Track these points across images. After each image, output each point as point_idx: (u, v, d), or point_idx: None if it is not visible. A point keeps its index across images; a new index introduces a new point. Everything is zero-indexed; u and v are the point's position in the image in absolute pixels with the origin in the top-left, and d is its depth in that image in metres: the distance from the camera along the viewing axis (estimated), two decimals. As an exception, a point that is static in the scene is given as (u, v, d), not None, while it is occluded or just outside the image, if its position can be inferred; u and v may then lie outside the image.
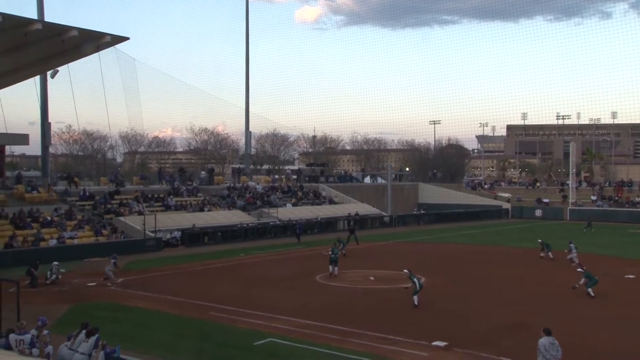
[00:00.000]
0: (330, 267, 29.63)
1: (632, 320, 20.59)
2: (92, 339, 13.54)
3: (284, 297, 24.85)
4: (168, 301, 23.92)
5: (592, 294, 24.24)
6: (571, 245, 33.57)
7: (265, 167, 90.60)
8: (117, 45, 34.33)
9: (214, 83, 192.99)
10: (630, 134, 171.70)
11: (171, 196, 49.93)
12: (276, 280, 28.68)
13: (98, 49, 31.99)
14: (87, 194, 45.63)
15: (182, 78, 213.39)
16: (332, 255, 29.74)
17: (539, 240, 37.07)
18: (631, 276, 28.98)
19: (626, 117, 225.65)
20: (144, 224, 40.32)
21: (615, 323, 20.29)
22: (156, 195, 49.53)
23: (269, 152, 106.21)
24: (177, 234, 42.62)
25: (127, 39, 31.25)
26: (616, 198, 69.02)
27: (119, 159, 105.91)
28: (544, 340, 14.02)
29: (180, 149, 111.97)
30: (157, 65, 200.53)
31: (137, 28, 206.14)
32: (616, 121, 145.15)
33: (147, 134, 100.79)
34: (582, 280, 24.94)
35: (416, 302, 22.15)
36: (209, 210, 49.60)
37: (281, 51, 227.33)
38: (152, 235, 40.59)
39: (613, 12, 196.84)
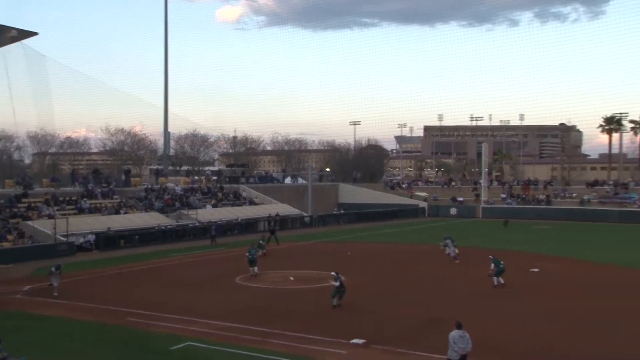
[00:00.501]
0: (251, 269, 29.52)
1: (537, 313, 21.67)
2: (-5, 350, 12.83)
3: (203, 299, 24.48)
4: (81, 308, 23.02)
5: (499, 282, 25.99)
6: (447, 240, 35.29)
7: (185, 168, 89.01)
8: (25, 41, 32.78)
9: (131, 82, 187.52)
10: (536, 135, 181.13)
11: (85, 199, 48.07)
12: (195, 283, 28.22)
13: (3, 43, 30.41)
14: (-9, 197, 43.19)
15: (97, 76, 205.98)
16: (250, 257, 29.67)
17: (444, 236, 37.38)
18: (536, 270, 30.54)
19: (533, 119, 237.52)
20: (55, 228, 38.60)
21: (523, 315, 21.30)
22: (68, 198, 47.55)
23: (188, 153, 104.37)
24: (91, 238, 41.08)
25: (35, 34, 29.99)
26: (523, 196, 72.58)
27: (27, 160, 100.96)
28: (454, 333, 14.52)
29: (95, 150, 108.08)
30: (70, 63, 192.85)
31: (47, 24, 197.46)
32: (523, 123, 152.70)
33: (59, 134, 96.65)
34: (492, 267, 26.40)
35: (335, 303, 22.33)
36: (125, 213, 48.13)
37: (201, 50, 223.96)
38: (64, 239, 38.93)
39: (520, 20, 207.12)
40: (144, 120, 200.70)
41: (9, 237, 37.78)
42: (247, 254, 30.02)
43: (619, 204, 65.72)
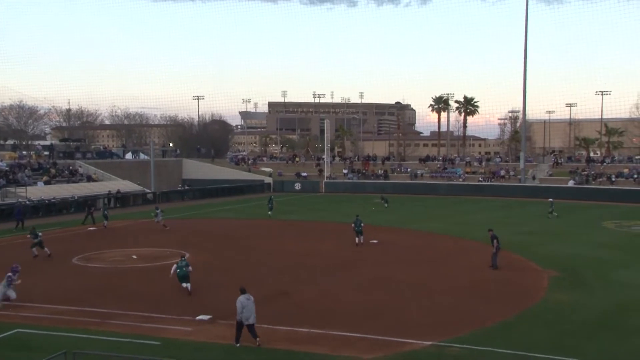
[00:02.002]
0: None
1: (372, 280, 23.07)
2: None
3: (33, 282, 22.75)
4: None
5: (359, 241, 30.89)
6: (157, 210, 38.09)
7: (11, 142, 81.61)
8: None
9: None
10: (375, 113, 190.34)
11: None
12: (24, 265, 26.10)
13: None
14: None
15: None
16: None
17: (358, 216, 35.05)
18: (375, 241, 32.36)
19: (372, 97, 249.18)
20: None
21: (359, 283, 22.56)
22: None
23: (14, 125, 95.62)
24: None
25: None
26: (364, 171, 76.23)
27: None
28: (241, 298, 15.38)
29: None
30: None
31: None
32: (363, 101, 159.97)
33: None
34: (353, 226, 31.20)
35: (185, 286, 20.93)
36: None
37: (28, 7, 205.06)
38: None
39: (358, 1, 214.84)
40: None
41: None
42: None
43: (447, 178, 71.49)
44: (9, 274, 18.47)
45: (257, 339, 15.32)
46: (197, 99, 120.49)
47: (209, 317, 17.55)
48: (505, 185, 65.95)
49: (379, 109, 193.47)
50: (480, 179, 69.65)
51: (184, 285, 20.84)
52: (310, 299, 20.20)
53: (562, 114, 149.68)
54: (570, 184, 63.96)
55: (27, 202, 45.13)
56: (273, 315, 17.91)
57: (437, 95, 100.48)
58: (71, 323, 17.27)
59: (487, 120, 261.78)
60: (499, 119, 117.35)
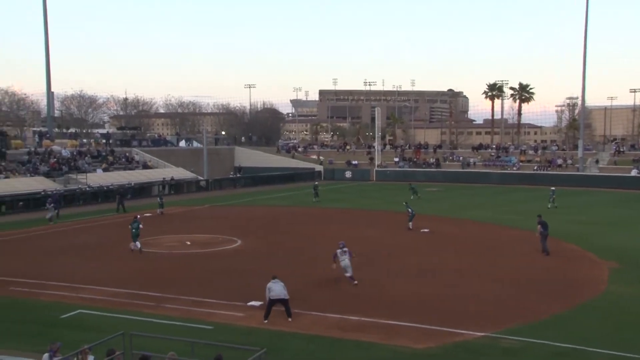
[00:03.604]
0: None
1: (424, 269, 22.85)
2: None
3: (94, 266, 23.64)
4: (-43, 279, 21.51)
5: (411, 227, 31.61)
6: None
7: (72, 130, 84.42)
8: None
9: (8, 37, 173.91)
10: (427, 101, 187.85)
11: (-42, 162, 44.53)
12: (86, 249, 27.16)
13: None
14: None
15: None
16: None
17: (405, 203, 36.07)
18: (426, 230, 32.06)
19: (423, 85, 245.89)
20: None
21: (410, 273, 22.39)
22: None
23: (75, 114, 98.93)
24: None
25: None
26: (415, 159, 75.47)
27: None
28: (269, 283, 16.39)
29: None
30: None
31: None
32: (415, 88, 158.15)
33: None
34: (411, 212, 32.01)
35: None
36: (6, 177, 45.10)
37: (88, 5, 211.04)
38: None
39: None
40: (25, 79, 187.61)
41: None
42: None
43: (500, 166, 70.03)
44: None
45: (289, 319, 16.14)
46: (249, 87, 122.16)
47: (259, 303, 17.77)
48: (562, 174, 64.10)
49: (431, 97, 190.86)
50: (535, 167, 67.95)
51: (136, 244, 25.83)
52: (360, 286, 20.17)
53: (625, 99, 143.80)
54: (634, 173, 61.50)
55: (86, 189, 46.67)
56: (323, 303, 18.02)
57: (491, 82, 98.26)
58: (128, 306, 17.80)
59: (544, 108, 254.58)
60: (556, 105, 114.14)
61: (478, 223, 35.76)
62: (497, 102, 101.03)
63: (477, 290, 19.70)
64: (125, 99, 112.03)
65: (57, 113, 77.49)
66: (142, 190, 51.48)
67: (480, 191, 56.79)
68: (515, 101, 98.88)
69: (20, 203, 41.18)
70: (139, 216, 28.45)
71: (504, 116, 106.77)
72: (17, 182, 44.78)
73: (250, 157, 77.93)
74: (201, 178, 61.43)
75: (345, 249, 20.46)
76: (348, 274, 20.20)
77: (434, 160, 74.11)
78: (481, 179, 66.32)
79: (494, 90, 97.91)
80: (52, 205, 36.48)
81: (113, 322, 16.03)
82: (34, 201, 41.95)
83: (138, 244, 26.12)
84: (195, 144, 79.68)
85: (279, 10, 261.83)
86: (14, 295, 19.17)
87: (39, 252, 26.65)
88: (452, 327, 15.80)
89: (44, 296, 19.00)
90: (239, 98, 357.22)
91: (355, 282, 20.15)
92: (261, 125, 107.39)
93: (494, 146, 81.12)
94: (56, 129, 71.64)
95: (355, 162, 77.16)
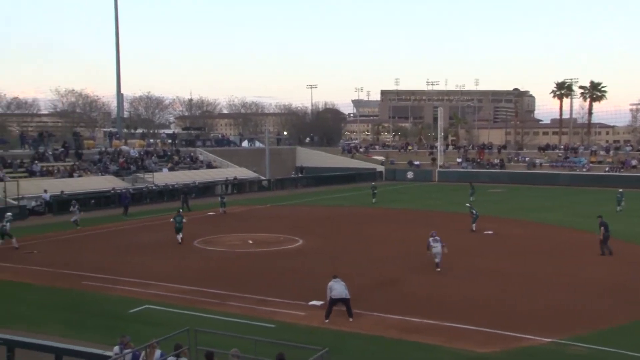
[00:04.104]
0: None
1: (487, 272, 22.36)
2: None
3: (160, 263, 24.36)
4: (34, 272, 22.61)
5: (474, 229, 31.11)
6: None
7: (140, 130, 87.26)
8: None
9: (83, 43, 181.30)
10: (491, 100, 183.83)
11: (36, 161, 46.76)
12: (153, 246, 28.02)
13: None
14: None
15: (46, 35, 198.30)
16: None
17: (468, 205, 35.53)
18: (489, 232, 31.39)
19: (487, 84, 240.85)
20: (5, 191, 37.53)
21: (473, 275, 21.96)
22: (18, 161, 46.16)
23: (143, 115, 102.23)
24: (46, 196, 40.06)
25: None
26: (478, 160, 74.01)
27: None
28: (330, 282, 16.47)
29: (45, 111, 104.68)
30: (12, 19, 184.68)
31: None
32: (478, 88, 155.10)
33: (5, 94, 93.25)
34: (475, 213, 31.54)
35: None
36: (79, 176, 47.08)
37: (155, 9, 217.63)
38: (15, 202, 37.92)
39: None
40: (96, 81, 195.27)
41: (-43, 200, 36.63)
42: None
43: (569, 167, 67.75)
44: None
45: (350, 319, 16.08)
46: (311, 87, 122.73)
47: (320, 302, 17.83)
48: (636, 176, 61.35)
49: (496, 96, 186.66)
50: (607, 169, 65.36)
51: (178, 236, 28.28)
52: (421, 288, 19.97)
53: None
54: None
55: (153, 187, 48.13)
56: (383, 303, 17.93)
57: (560, 81, 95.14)
58: (193, 302, 18.23)
59: (616, 106, 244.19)
60: (630, 104, 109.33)
61: (544, 225, 34.74)
62: (566, 101, 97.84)
63: (543, 294, 19.12)
64: (190, 100, 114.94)
65: (126, 114, 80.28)
66: (205, 189, 52.62)
67: (547, 193, 55.11)
68: (585, 100, 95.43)
69: (92, 201, 42.90)
70: (181, 211, 31.38)
71: (573, 115, 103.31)
72: (89, 181, 46.68)
73: (312, 157, 78.37)
74: (263, 178, 62.27)
75: (437, 237, 22.67)
76: (437, 260, 22.28)
77: (498, 160, 72.48)
78: (548, 180, 64.37)
79: (563, 89, 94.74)
80: (76, 207, 34.57)
81: (178, 318, 16.47)
82: (104, 199, 43.64)
83: (180, 236, 28.51)
84: (257, 144, 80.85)
85: (341, 10, 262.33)
86: (87, 289, 19.97)
87: (109, 249, 27.67)
88: (516, 331, 15.40)
89: (114, 291, 19.71)
90: (301, 98, 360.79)
91: (439, 269, 22.08)
92: (323, 125, 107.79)
93: (562, 147, 78.57)
94: (125, 130, 74.19)
95: (417, 162, 76.39)
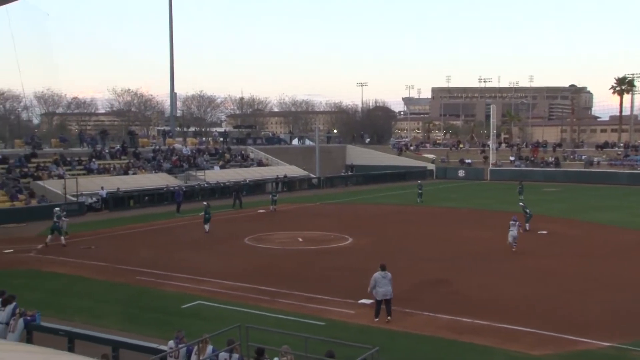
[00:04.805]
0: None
1: (540, 272, 21.80)
2: (9, 307, 13.03)
3: (212, 259, 24.75)
4: (91, 266, 23.33)
5: (528, 228, 30.17)
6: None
7: (192, 129, 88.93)
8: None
9: (138, 43, 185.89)
10: (546, 97, 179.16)
11: (93, 159, 48.25)
12: (204, 243, 28.51)
13: (5, 1, 29.85)
14: (0, 157, 43.35)
15: (103, 36, 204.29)
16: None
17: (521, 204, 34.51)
18: (544, 232, 30.61)
19: (542, 80, 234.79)
20: (65, 188, 38.90)
21: (526, 275, 21.45)
22: (77, 159, 47.74)
23: (195, 113, 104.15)
24: (103, 193, 41.31)
25: (39, -8, 29.31)
26: (532, 158, 72.24)
27: (35, 121, 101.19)
28: (376, 274, 16.10)
29: (102, 111, 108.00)
30: (74, 23, 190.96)
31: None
32: (533, 84, 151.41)
33: (65, 94, 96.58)
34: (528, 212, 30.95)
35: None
36: (134, 174, 48.35)
37: (207, 10, 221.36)
38: (74, 199, 39.24)
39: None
40: (150, 81, 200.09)
41: (21, 196, 38.12)
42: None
43: (629, 166, 65.36)
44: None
45: (388, 317, 15.91)
46: (361, 85, 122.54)
47: (370, 301, 17.74)
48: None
49: (551, 93, 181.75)
50: (670, 167, 62.74)
51: (205, 226, 31.08)
52: (472, 288, 19.64)
53: None
54: None
55: (205, 185, 48.97)
56: (433, 303, 17.72)
57: (620, 76, 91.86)
58: (244, 299, 18.44)
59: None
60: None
61: (601, 225, 33.65)
62: (626, 97, 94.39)
63: (601, 297, 18.53)
64: (242, 99, 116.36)
65: (179, 113, 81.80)
66: (256, 187, 53.17)
67: (605, 192, 53.34)
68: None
69: (146, 198, 43.98)
70: (205, 203, 33.41)
71: (634, 112, 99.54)
72: (143, 178, 47.85)
73: (362, 155, 78.16)
74: (313, 176, 62.48)
75: (517, 222, 25.96)
76: (509, 241, 25.45)
77: (553, 159, 70.58)
78: (606, 179, 62.23)
79: (623, 85, 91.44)
80: (63, 213, 29.54)
81: (229, 314, 16.69)
82: (158, 196, 44.66)
83: (207, 227, 31.14)
84: (307, 142, 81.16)
85: (392, 7, 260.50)
86: (140, 284, 20.48)
87: (162, 245, 28.29)
88: (572, 334, 14.96)
89: (167, 286, 20.14)
90: (351, 96, 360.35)
91: (514, 249, 25.20)
92: (373, 123, 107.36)
93: (622, 144, 75.85)
94: (178, 128, 75.68)
95: (469, 160, 75.18)
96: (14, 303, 13.19)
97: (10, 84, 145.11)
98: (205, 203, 33.33)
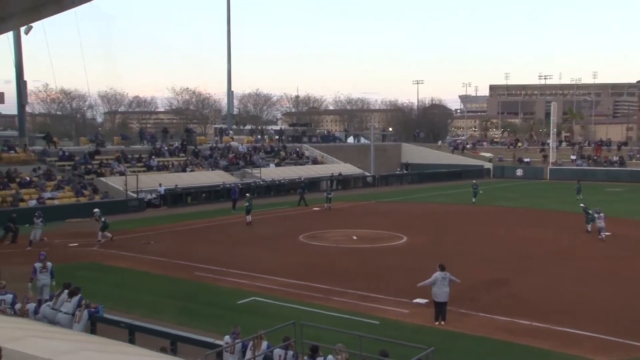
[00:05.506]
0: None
1: (601, 275, 21.07)
2: (75, 298, 13.55)
3: (267, 256, 25.03)
4: (151, 261, 23.99)
5: (589, 230, 29.57)
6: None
7: (248, 127, 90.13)
8: (94, 2, 33.31)
9: (197, 42, 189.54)
10: (610, 94, 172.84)
11: (153, 157, 49.57)
12: (260, 240, 28.85)
13: (74, 3, 31.01)
14: (67, 154, 45.07)
15: (163, 36, 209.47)
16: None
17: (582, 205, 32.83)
18: (607, 233, 29.49)
19: (606, 77, 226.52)
20: (126, 185, 40.10)
21: (586, 278, 20.79)
22: (137, 156, 49.15)
23: (251, 112, 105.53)
24: (161, 189, 42.41)
25: (103, -5, 30.31)
26: (595, 157, 69.85)
27: (99, 119, 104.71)
28: (437, 273, 15.99)
29: (162, 109, 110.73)
30: (136, 23, 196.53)
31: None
32: (596, 81, 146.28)
33: (127, 93, 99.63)
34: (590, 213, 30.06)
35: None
36: (191, 171, 49.40)
37: (264, 10, 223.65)
38: (134, 195, 40.41)
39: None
40: (208, 79, 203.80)
41: (85, 192, 39.55)
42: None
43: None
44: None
45: (443, 322, 15.65)
46: (417, 83, 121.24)
47: (425, 301, 17.58)
48: None
49: (616, 89, 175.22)
50: None
51: (247, 217, 33.27)
52: (531, 289, 19.17)
53: None
54: None
55: (260, 182, 49.55)
56: (490, 304, 17.41)
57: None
58: (298, 296, 18.57)
59: None
60: None
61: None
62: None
63: (668, 303, 17.75)
64: (297, 97, 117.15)
65: (235, 111, 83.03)
66: (311, 185, 53.40)
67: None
68: None
69: (203, 195, 44.86)
70: (248, 195, 35.98)
71: None
72: (200, 175, 48.83)
73: (417, 154, 77.42)
74: (368, 174, 62.30)
75: (601, 214, 27.70)
76: (594, 229, 27.87)
77: (617, 158, 68.03)
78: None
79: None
80: (40, 220, 27.59)
81: (284, 310, 16.85)
82: (214, 193, 45.49)
83: (249, 217, 33.39)
84: (362, 140, 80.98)
85: (448, 4, 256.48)
86: (198, 280, 20.92)
87: (218, 241, 28.81)
88: (636, 340, 14.40)
89: (224, 282, 20.49)
90: (407, 94, 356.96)
91: (601, 237, 27.28)
92: (429, 121, 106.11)
93: (692, 143, 72.48)
94: (234, 126, 76.84)
95: (528, 159, 73.36)
96: (80, 295, 13.71)
97: (76, 84, 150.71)
98: (247, 195, 35.98)
